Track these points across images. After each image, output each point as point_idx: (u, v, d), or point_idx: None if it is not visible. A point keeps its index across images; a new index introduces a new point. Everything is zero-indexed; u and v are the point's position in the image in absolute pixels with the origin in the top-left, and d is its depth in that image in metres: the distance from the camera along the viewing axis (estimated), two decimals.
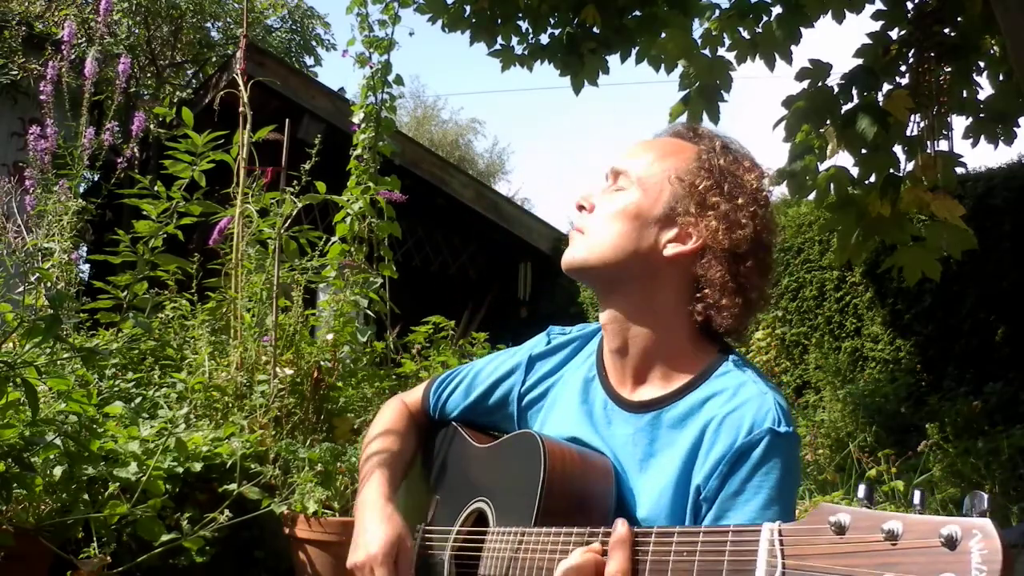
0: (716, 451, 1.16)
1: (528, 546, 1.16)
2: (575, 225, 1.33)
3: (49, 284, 2.83)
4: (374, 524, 1.37)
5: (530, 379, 1.44)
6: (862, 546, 0.76)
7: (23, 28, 7.76)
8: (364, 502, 1.42)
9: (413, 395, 1.62)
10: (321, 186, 3.20)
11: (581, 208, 1.33)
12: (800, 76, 4.02)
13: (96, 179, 6.07)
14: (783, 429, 1.16)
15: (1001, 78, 4.16)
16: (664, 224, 1.26)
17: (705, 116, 4.28)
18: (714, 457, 1.16)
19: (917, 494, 0.79)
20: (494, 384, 1.48)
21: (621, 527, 1.02)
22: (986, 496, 0.74)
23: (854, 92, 3.89)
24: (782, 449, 1.15)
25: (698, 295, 1.26)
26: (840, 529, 0.78)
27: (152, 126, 5.10)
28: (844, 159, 4.05)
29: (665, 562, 0.96)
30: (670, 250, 1.26)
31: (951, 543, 0.71)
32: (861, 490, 0.82)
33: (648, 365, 1.28)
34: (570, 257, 1.31)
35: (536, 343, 1.48)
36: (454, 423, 1.52)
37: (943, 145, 3.81)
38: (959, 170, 3.96)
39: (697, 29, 4.48)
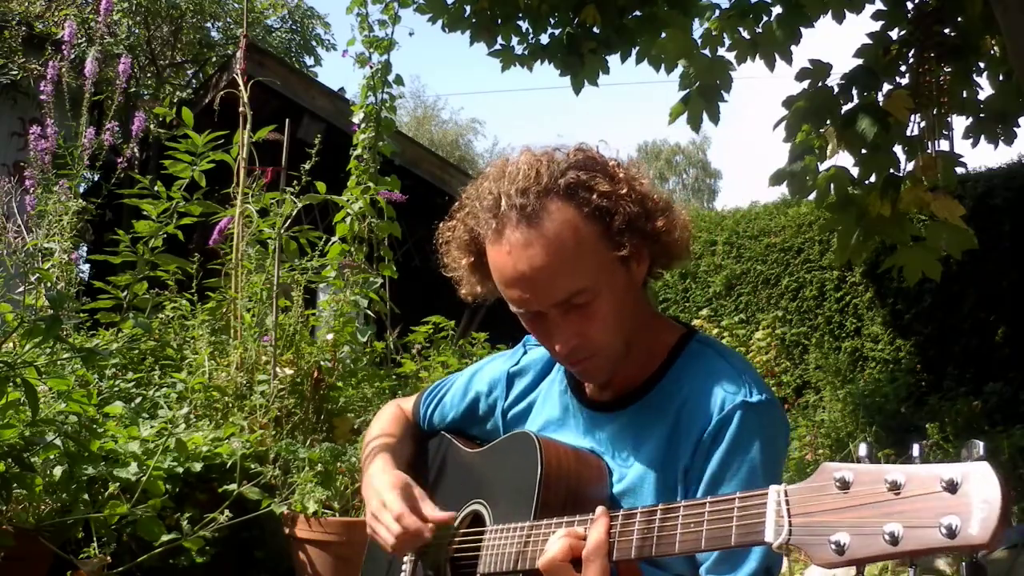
0: (695, 430, 1.18)
1: (539, 539, 1.16)
2: (583, 355, 1.22)
3: (49, 284, 2.82)
4: (382, 482, 1.40)
5: (512, 395, 1.46)
6: (867, 498, 0.78)
7: (23, 28, 7.76)
8: (371, 474, 1.45)
9: (408, 404, 1.64)
10: (321, 186, 3.20)
11: (578, 348, 1.22)
12: (800, 76, 4.02)
13: (96, 179, 6.07)
14: (755, 399, 1.16)
15: (1001, 78, 4.16)
16: (626, 265, 1.20)
17: (705, 116, 4.28)
18: (694, 436, 1.18)
19: (916, 447, 0.81)
20: (477, 398, 1.50)
21: (598, 510, 1.06)
22: (981, 443, 0.76)
23: (854, 92, 3.89)
24: (758, 418, 1.16)
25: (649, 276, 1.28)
26: (844, 485, 0.80)
27: (152, 126, 5.12)
28: (844, 159, 4.06)
29: (673, 535, 0.98)
30: (642, 272, 1.24)
31: (952, 487, 0.73)
32: (862, 448, 0.83)
33: (622, 364, 1.26)
34: (602, 376, 1.26)
35: (513, 356, 1.49)
36: (444, 432, 1.55)
37: (943, 145, 3.82)
38: (959, 170, 3.96)
39: (697, 29, 4.48)
